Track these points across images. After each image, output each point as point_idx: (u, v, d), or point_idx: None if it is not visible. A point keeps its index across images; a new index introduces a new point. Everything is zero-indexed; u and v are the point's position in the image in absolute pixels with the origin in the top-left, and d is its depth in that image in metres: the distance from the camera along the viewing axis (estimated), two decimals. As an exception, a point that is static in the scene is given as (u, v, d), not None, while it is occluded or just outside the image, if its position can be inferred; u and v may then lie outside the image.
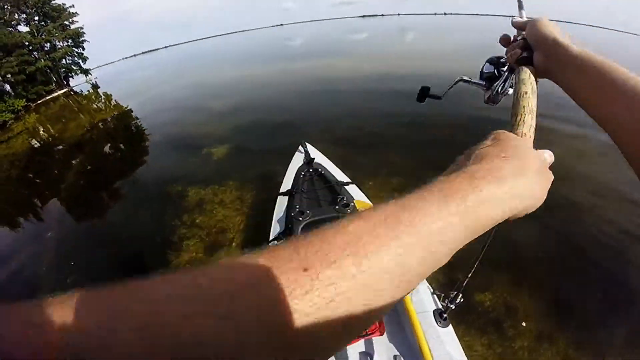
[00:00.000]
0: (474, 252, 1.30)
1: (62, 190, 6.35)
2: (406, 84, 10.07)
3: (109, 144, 8.94)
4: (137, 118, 11.35)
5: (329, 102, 8.95)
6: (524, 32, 0.66)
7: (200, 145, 6.55)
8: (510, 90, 0.67)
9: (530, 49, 0.61)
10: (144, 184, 5.62)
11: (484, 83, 0.72)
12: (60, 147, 10.04)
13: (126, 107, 13.61)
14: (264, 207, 2.87)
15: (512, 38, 0.71)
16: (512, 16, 0.75)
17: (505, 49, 0.71)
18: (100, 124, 11.75)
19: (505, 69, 0.71)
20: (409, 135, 6.15)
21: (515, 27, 0.71)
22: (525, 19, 0.69)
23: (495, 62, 0.74)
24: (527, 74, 0.56)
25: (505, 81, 0.68)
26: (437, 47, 21.57)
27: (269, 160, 5.14)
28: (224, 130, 7.50)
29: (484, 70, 0.74)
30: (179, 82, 18.27)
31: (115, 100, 17.07)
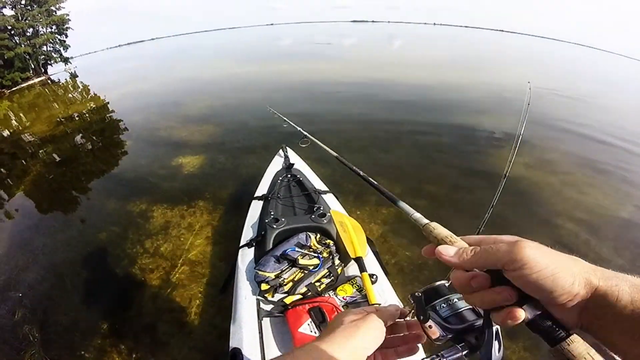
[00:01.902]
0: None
1: (14, 198, 5.62)
2: (391, 95, 9.76)
3: (76, 144, 8.07)
4: (112, 112, 10.54)
5: (315, 110, 8.34)
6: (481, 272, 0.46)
7: (172, 154, 5.94)
8: (497, 347, 0.50)
9: (526, 298, 0.42)
10: (106, 197, 4.94)
11: (459, 349, 0.55)
12: (27, 140, 9.20)
13: (103, 101, 12.75)
14: (237, 237, 2.54)
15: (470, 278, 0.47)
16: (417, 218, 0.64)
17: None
18: (73, 117, 10.79)
19: (477, 320, 0.54)
20: (396, 154, 5.72)
21: (462, 265, 0.47)
22: (470, 251, 0.46)
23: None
24: (582, 347, 0.38)
25: (490, 339, 0.49)
26: (422, 56, 21.37)
27: (246, 178, 4.62)
28: (199, 137, 6.85)
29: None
30: (160, 76, 17.33)
31: (92, 92, 16.15)
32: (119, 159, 6.48)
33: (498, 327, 0.49)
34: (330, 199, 2.79)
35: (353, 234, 2.07)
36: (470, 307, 0.54)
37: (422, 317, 0.54)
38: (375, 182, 0.97)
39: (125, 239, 3.85)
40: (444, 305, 0.54)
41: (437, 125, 7.18)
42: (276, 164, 3.40)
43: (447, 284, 0.57)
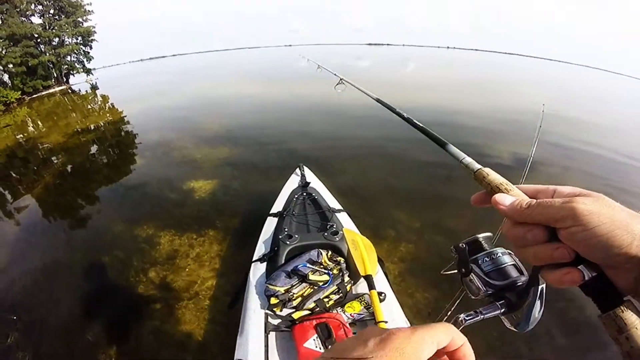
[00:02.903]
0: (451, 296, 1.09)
1: (20, 209, 5.44)
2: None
3: (88, 157, 8.01)
4: (127, 127, 10.47)
5: (334, 137, 7.90)
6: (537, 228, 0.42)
7: (183, 177, 5.65)
8: (538, 308, 0.47)
9: (580, 260, 0.39)
10: (113, 217, 4.69)
11: (499, 307, 0.49)
12: (42, 147, 9.13)
13: (120, 114, 12.81)
14: (247, 270, 2.42)
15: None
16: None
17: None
18: (89, 129, 10.79)
19: (520, 277, 0.49)
20: (415, 184, 5.44)
21: (515, 218, 0.44)
22: (525, 204, 0.43)
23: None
24: (635, 316, 0.37)
25: (534, 298, 0.46)
26: (436, 79, 21.21)
27: (259, 208, 4.22)
28: (213, 160, 6.52)
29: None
30: (179, 93, 17.10)
31: (111, 104, 16.35)
32: (130, 178, 6.27)
33: (544, 285, 0.46)
34: (344, 218, 2.83)
35: (364, 252, 2.09)
36: (514, 263, 0.50)
37: (463, 271, 0.52)
38: (421, 124, 0.89)
39: (129, 266, 3.62)
40: (487, 259, 0.51)
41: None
42: (293, 182, 3.44)
43: (491, 236, 0.54)
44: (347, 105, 10.79)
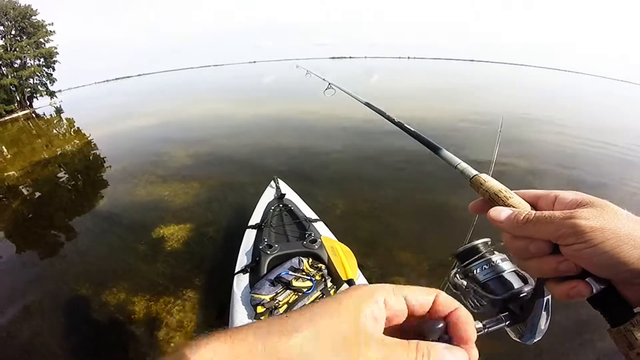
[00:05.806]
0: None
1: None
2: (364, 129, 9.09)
3: (45, 197, 6.79)
4: (90, 160, 9.42)
5: (321, 164, 7.07)
6: (541, 241, 0.37)
7: (152, 222, 4.67)
8: (544, 319, 0.41)
9: (587, 272, 0.36)
10: (77, 280, 3.67)
11: (502, 319, 0.42)
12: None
13: (84, 143, 11.71)
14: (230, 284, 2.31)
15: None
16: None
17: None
18: (49, 160, 9.66)
19: (523, 287, 0.42)
20: (416, 214, 4.77)
21: (513, 233, 0.40)
22: (522, 217, 0.39)
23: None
24: None
25: (539, 310, 0.41)
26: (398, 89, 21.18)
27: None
28: (184, 197, 5.46)
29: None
30: (145, 115, 15.32)
31: (77, 128, 15.35)
32: (92, 224, 5.12)
33: (549, 297, 0.40)
34: (320, 227, 2.83)
35: (344, 258, 2.09)
36: (514, 269, 0.43)
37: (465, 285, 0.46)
38: (413, 129, 0.79)
39: (103, 343, 2.91)
40: (486, 267, 0.43)
41: (408, 157, 6.69)
42: (268, 195, 3.43)
43: (489, 242, 0.46)
44: (306, 120, 10.41)
